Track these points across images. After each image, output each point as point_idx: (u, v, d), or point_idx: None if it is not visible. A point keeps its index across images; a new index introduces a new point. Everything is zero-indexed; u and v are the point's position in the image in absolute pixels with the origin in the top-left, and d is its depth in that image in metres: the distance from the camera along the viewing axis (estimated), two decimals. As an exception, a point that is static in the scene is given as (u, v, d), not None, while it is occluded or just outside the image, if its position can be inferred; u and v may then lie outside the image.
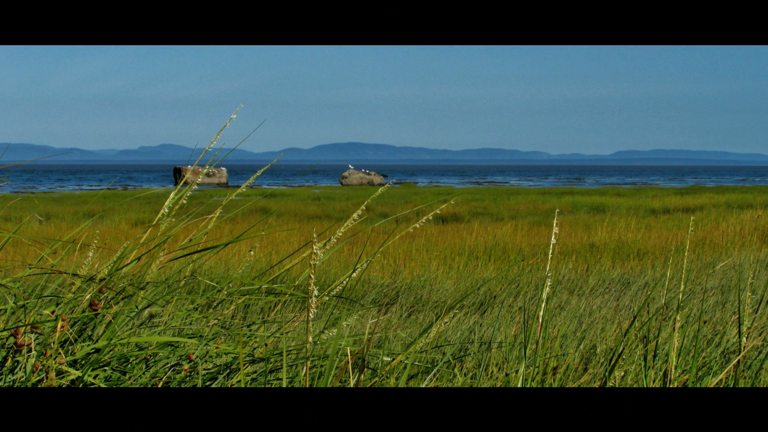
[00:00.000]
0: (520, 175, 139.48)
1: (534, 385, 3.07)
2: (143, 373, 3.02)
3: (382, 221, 3.16)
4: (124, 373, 3.01)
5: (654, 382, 3.35)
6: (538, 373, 3.08)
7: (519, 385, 3.00)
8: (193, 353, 3.06)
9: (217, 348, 3.11)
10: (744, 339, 3.40)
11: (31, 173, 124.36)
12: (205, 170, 3.63)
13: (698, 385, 3.51)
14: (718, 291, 8.03)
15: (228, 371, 3.12)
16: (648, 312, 3.90)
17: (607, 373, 3.22)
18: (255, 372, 3.16)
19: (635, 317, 3.48)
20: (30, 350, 2.82)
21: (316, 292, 2.43)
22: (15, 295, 3.13)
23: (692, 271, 9.95)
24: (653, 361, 3.47)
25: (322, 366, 2.92)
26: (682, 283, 3.41)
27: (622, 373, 3.44)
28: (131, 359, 3.04)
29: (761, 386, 3.96)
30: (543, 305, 3.18)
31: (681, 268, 8.55)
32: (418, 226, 3.22)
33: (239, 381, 3.07)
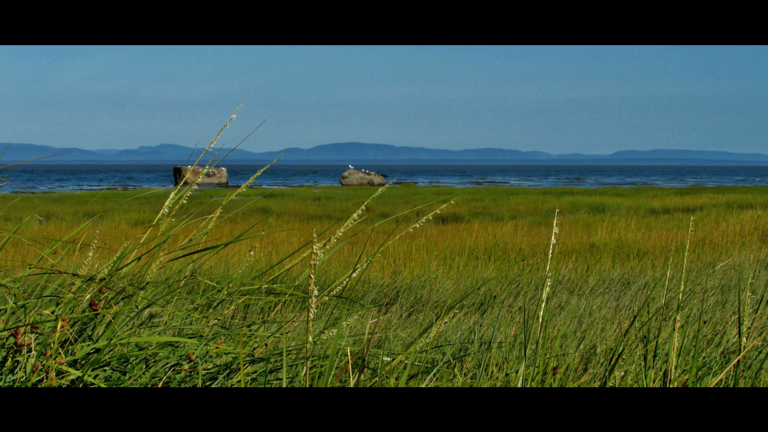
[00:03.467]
0: (520, 175, 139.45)
1: (534, 385, 3.07)
2: (143, 373, 3.02)
3: (382, 221, 3.16)
4: (124, 373, 3.01)
5: (654, 382, 3.35)
6: (538, 373, 3.08)
7: (519, 385, 3.00)
8: (193, 353, 3.06)
9: (217, 348, 3.11)
10: (744, 339, 3.40)
11: (31, 173, 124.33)
12: (205, 170, 3.63)
13: (698, 385, 3.51)
14: (718, 291, 8.03)
15: (228, 371, 3.12)
16: (648, 312, 3.89)
17: (607, 373, 3.22)
18: (255, 372, 3.16)
19: (635, 317, 3.48)
20: (30, 350, 2.82)
21: (316, 292, 2.43)
22: (15, 295, 3.13)
23: (692, 271, 9.94)
24: (653, 361, 3.47)
25: (322, 366, 2.92)
26: (682, 283, 3.40)
27: (622, 373, 3.44)
28: (131, 359, 3.04)
29: (761, 386, 3.96)
30: (543, 305, 3.18)
31: (681, 268, 8.55)
32: (418, 226, 3.22)
33: (239, 381, 3.07)
